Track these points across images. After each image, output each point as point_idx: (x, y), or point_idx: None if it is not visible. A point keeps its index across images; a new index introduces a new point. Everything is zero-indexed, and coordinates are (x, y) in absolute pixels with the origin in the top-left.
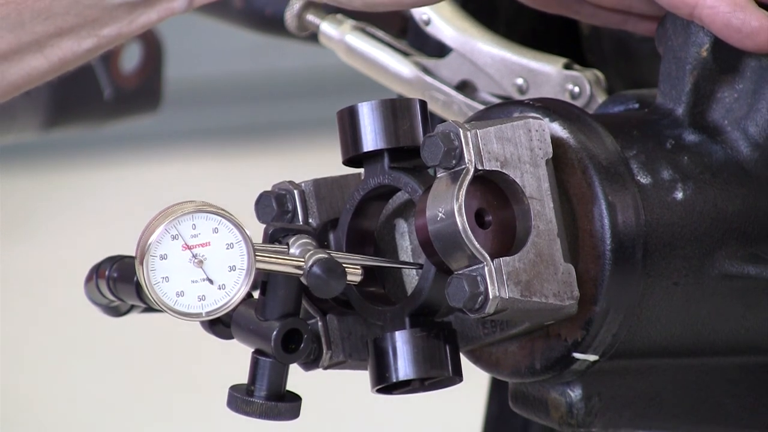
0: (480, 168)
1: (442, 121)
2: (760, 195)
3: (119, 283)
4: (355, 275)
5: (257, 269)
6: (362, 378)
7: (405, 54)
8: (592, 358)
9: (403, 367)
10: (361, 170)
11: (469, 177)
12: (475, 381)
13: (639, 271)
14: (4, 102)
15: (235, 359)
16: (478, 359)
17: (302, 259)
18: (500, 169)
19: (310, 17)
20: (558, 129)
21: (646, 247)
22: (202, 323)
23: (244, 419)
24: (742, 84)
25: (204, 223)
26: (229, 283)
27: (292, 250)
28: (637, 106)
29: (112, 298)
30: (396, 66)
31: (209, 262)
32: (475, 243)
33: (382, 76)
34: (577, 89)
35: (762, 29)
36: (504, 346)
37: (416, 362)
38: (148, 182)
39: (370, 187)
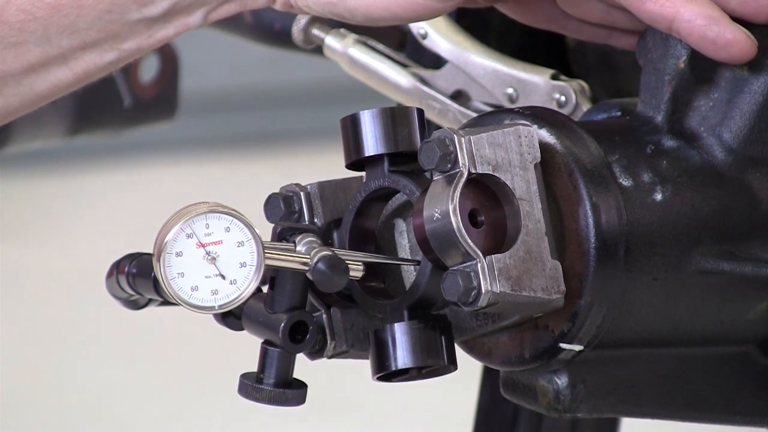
0: (473, 171)
1: (439, 127)
2: (733, 196)
3: (138, 278)
4: (357, 271)
5: (266, 265)
6: (364, 367)
7: (403, 65)
8: (578, 348)
9: (402, 357)
10: (363, 173)
11: (463, 180)
12: (469, 369)
13: (621, 267)
14: (32, 111)
15: (243, 349)
16: (471, 349)
17: (308, 256)
18: (492, 173)
19: (316, 31)
20: (546, 135)
21: (627, 245)
22: (215, 316)
23: (255, 407)
24: (717, 93)
25: (217, 223)
26: (240, 279)
27: (298, 248)
28: (619, 113)
29: (131, 292)
30: (395, 77)
31: (221, 258)
32: (469, 241)
33: (383, 86)
34: (563, 98)
35: (735, 41)
36: (495, 337)
37: (414, 352)
38: (164, 185)
39: (371, 189)
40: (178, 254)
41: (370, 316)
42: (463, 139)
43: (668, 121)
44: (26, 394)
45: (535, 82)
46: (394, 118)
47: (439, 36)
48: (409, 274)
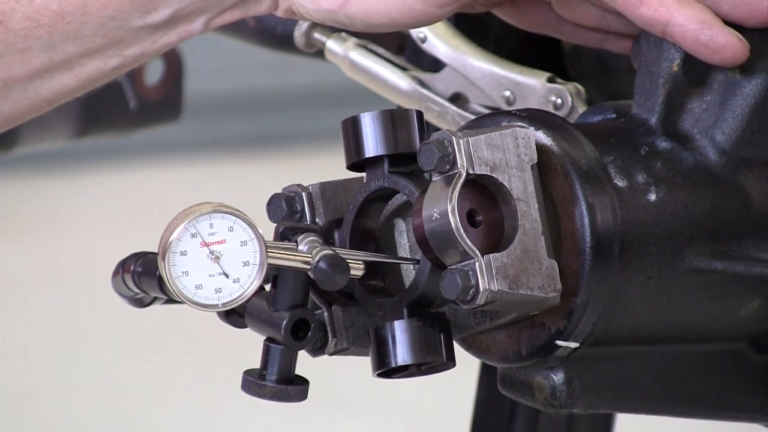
0: (471, 172)
1: (437, 129)
2: (726, 197)
3: (143, 277)
4: (357, 270)
5: (269, 264)
6: (364, 363)
7: (403, 69)
8: (574, 345)
9: (402, 354)
10: (363, 174)
11: (461, 180)
12: (467, 366)
13: (616, 266)
14: (37, 116)
15: (244, 347)
16: (469, 346)
17: (310, 255)
18: (490, 173)
19: (317, 35)
20: (542, 137)
21: (622, 244)
22: (219, 314)
23: (258, 402)
24: (710, 96)
25: (220, 223)
26: (243, 277)
27: (300, 247)
28: (614, 116)
29: (136, 290)
30: (395, 80)
31: (225, 257)
32: (467, 240)
33: (383, 89)
34: (559, 101)
35: (728, 45)
36: (493, 334)
37: (413, 349)
38: (169, 186)
39: (371, 190)
40: (183, 253)
41: (370, 313)
42: (461, 141)
43: (662, 123)
44: (28, 394)
45: (532, 85)
46: (394, 120)
47: (437, 40)
48: (409, 272)
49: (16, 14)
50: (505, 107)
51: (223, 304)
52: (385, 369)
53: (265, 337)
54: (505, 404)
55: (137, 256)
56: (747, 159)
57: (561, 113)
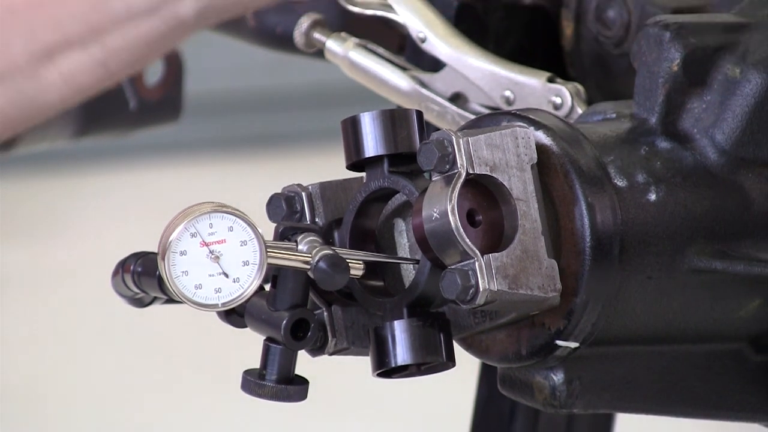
0: (471, 172)
1: (437, 129)
2: (726, 197)
3: (143, 276)
4: (357, 270)
5: (268, 264)
6: (364, 363)
7: (403, 69)
8: (573, 345)
9: (402, 353)
10: (363, 174)
11: (461, 180)
12: (467, 366)
13: (616, 266)
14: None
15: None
16: (469, 346)
17: (309, 255)
18: (489, 173)
19: (317, 35)
20: (542, 137)
21: (622, 244)
22: (219, 313)
23: (258, 403)
24: (710, 96)
25: (220, 222)
26: (242, 277)
27: (300, 247)
28: (614, 116)
29: (136, 290)
30: (395, 80)
31: (225, 257)
32: (467, 240)
33: (382, 89)
34: (559, 100)
35: None
36: (493, 334)
37: (413, 349)
38: (169, 185)
39: (371, 190)
40: (183, 253)
41: (370, 313)
42: (461, 141)
43: (662, 122)
44: (29, 394)
45: (532, 85)
46: (394, 120)
47: (437, 40)
48: (409, 272)
49: None
50: (505, 107)
51: (223, 304)
52: (385, 369)
53: (265, 337)
54: (505, 404)
55: (137, 256)
56: (747, 159)
57: (561, 113)
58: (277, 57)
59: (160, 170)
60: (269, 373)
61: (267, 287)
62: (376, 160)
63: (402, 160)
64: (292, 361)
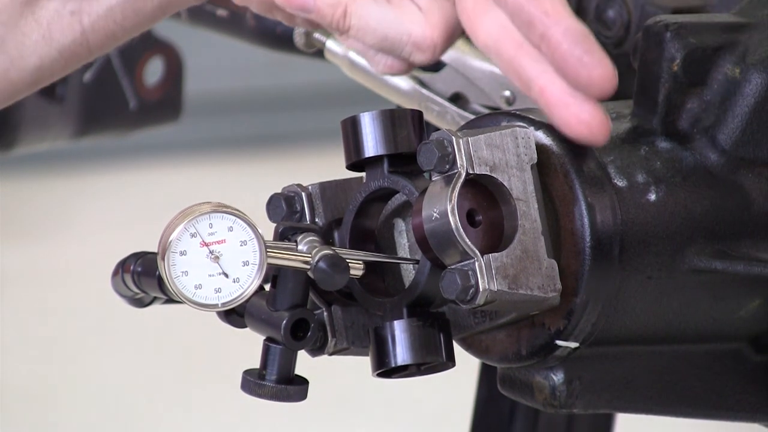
0: (471, 172)
1: (437, 129)
2: (726, 197)
3: (143, 276)
4: (357, 270)
5: (268, 264)
6: (364, 363)
7: None
8: (573, 345)
9: (401, 353)
10: (363, 174)
11: (461, 180)
12: (467, 366)
13: (616, 266)
14: (35, 110)
15: (244, 346)
16: (469, 346)
17: (309, 255)
18: (489, 173)
19: (317, 35)
20: (542, 137)
21: (622, 244)
22: (219, 313)
23: (257, 402)
24: (710, 96)
25: (220, 222)
26: (242, 277)
27: (300, 247)
28: (614, 116)
29: (136, 290)
30: (395, 80)
31: (225, 257)
32: (467, 240)
33: (382, 89)
34: None
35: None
36: (493, 334)
37: (413, 349)
38: (169, 185)
39: (371, 190)
40: (182, 253)
41: (370, 313)
42: (461, 141)
43: (662, 122)
44: (29, 394)
45: None
46: (394, 120)
47: None
48: (409, 272)
49: None
50: (505, 107)
51: (223, 304)
52: (385, 369)
53: (264, 337)
54: (505, 404)
55: (137, 256)
56: (747, 158)
57: None
58: (277, 57)
59: (160, 170)
60: (269, 373)
61: (267, 287)
62: (375, 160)
63: (402, 160)
64: (292, 361)
